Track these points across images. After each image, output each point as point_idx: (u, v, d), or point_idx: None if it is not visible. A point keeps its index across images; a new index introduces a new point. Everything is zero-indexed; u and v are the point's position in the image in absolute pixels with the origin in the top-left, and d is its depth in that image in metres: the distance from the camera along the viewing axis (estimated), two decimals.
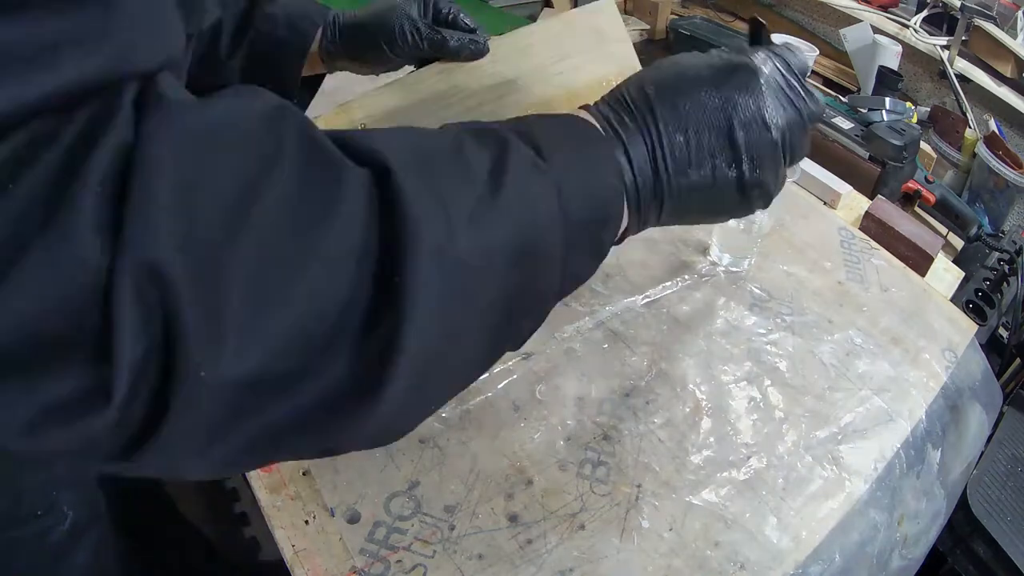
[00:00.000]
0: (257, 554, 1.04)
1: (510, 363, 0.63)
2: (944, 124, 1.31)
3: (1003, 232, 1.18)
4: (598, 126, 0.37)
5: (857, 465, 0.58)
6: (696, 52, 0.41)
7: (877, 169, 1.03)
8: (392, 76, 0.63)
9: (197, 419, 0.24)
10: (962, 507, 0.70)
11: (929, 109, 1.34)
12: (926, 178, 1.05)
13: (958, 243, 1.07)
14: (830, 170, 0.98)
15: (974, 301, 0.87)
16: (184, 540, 0.91)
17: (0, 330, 0.21)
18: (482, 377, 0.60)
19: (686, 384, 0.63)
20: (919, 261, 0.82)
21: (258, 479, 0.53)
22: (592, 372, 0.63)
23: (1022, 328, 0.92)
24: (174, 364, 0.22)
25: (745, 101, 0.37)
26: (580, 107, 0.39)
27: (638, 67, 0.69)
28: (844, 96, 1.16)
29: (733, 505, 0.54)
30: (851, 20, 1.48)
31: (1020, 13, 1.31)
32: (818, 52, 1.44)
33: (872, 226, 0.86)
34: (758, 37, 0.44)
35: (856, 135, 1.06)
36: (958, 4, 1.32)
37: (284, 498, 0.52)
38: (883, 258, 0.81)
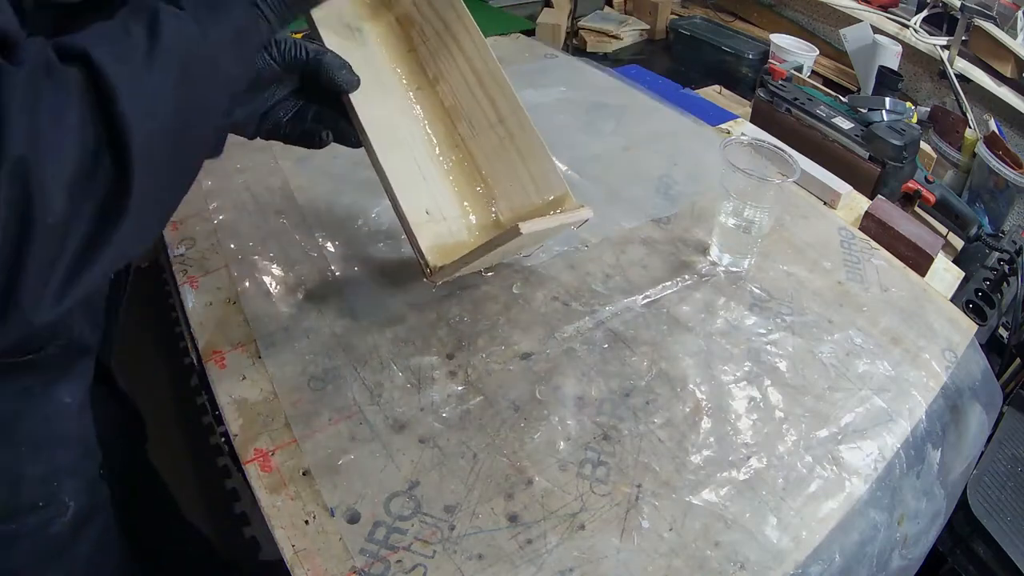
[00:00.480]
0: (257, 554, 1.04)
1: (510, 363, 0.63)
2: (944, 124, 1.31)
3: (1003, 232, 1.18)
4: None
5: (857, 465, 0.58)
6: None
7: (877, 169, 1.03)
8: None
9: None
10: (962, 507, 0.70)
11: (929, 109, 1.34)
12: (926, 178, 1.05)
13: (958, 243, 1.07)
14: (830, 170, 0.98)
15: (974, 301, 0.87)
16: (184, 540, 0.91)
17: None
18: (482, 377, 0.61)
19: (686, 384, 0.63)
20: (919, 261, 0.82)
21: (258, 479, 0.53)
22: (592, 372, 0.63)
23: (1022, 328, 0.92)
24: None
25: None
26: None
27: None
28: (844, 96, 1.16)
29: (733, 505, 0.54)
30: (851, 20, 1.48)
31: (1020, 13, 1.31)
32: (818, 52, 1.45)
33: (872, 226, 0.86)
34: None
35: (856, 135, 1.06)
36: (958, 4, 1.33)
37: (284, 498, 0.52)
38: (883, 258, 0.81)
